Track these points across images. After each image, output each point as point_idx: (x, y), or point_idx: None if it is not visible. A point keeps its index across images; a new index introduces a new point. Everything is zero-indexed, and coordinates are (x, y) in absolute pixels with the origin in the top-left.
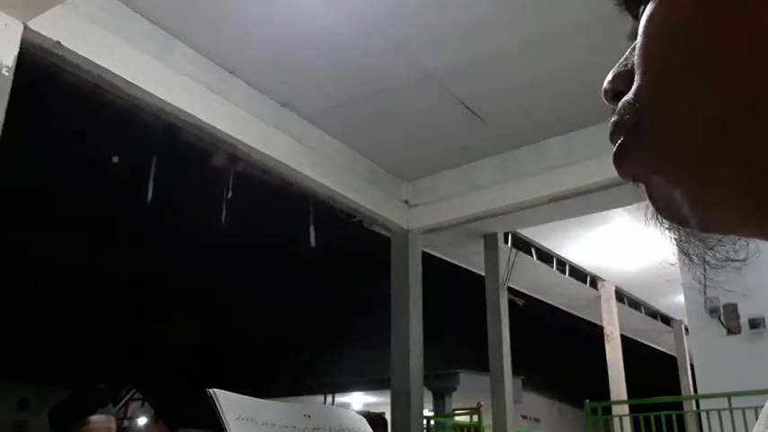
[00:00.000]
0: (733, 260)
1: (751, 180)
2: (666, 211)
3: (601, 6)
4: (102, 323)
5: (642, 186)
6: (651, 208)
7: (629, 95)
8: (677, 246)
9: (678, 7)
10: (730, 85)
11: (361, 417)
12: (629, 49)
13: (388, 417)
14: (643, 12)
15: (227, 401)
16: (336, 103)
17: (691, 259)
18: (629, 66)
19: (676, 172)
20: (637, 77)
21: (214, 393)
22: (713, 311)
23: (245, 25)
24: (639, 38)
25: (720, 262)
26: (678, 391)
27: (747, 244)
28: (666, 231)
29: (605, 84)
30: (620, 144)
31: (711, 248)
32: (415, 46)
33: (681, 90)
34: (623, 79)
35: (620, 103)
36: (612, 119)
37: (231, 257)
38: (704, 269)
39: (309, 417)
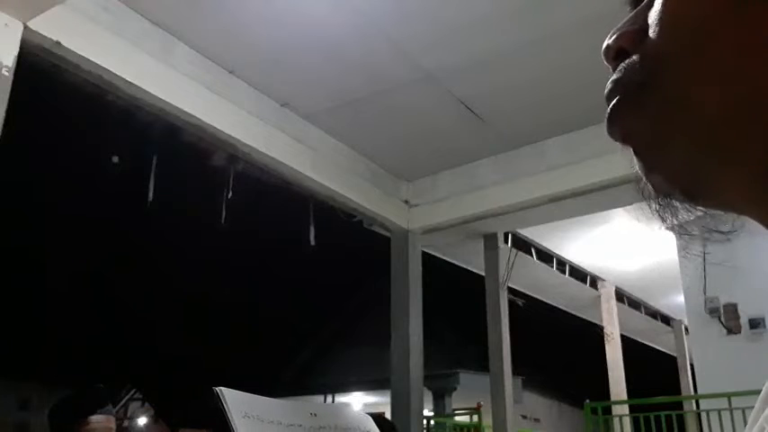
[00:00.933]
0: (720, 232)
1: (764, 163)
2: (656, 181)
3: (601, 6)
4: (103, 324)
5: (630, 150)
6: (642, 176)
7: (639, 53)
8: (660, 215)
9: None
10: (763, 54)
11: (366, 415)
12: (632, 12)
13: (388, 416)
14: None
15: (234, 400)
16: (336, 103)
17: (679, 232)
18: (637, 26)
19: (674, 139)
20: (652, 35)
21: (221, 392)
22: (713, 311)
23: (245, 25)
24: None
25: (708, 233)
26: (678, 391)
27: (738, 221)
28: (654, 204)
29: (608, 41)
30: (617, 100)
31: (698, 217)
32: (415, 46)
33: (704, 52)
34: (630, 38)
35: (625, 62)
36: (613, 77)
37: (231, 258)
38: (702, 243)
39: (315, 415)
